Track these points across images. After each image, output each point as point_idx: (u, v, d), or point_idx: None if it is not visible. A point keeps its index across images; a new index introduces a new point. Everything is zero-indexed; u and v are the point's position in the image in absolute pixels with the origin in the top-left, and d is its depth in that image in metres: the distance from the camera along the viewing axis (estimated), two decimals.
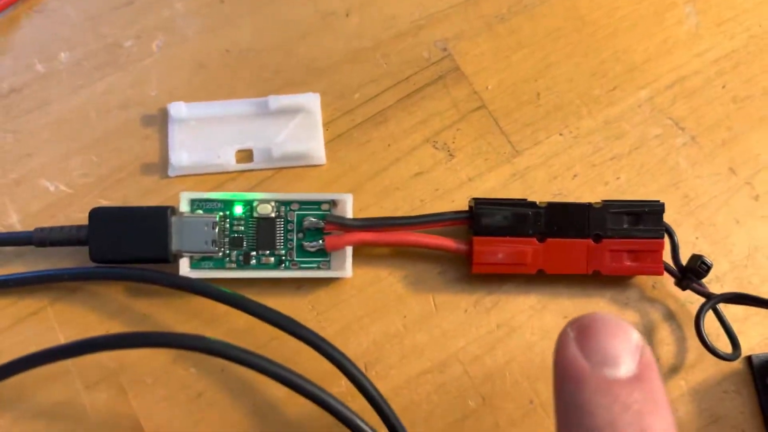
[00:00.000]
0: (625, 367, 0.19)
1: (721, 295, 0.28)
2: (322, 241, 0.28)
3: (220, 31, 0.32)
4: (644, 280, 0.30)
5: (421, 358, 0.29)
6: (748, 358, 0.29)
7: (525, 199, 0.28)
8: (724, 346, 0.28)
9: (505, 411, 0.28)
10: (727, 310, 0.29)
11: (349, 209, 0.28)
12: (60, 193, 0.30)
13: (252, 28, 0.32)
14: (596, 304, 0.29)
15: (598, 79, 0.32)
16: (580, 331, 0.20)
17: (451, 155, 0.31)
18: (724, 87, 0.32)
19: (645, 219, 0.28)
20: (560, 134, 0.32)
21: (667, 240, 0.28)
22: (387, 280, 0.29)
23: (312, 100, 0.30)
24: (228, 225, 0.28)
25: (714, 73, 0.33)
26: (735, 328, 0.29)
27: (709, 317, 0.28)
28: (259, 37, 0.32)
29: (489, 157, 0.31)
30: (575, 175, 0.31)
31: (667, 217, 0.29)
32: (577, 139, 0.31)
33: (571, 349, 0.19)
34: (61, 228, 0.27)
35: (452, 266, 0.29)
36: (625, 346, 0.19)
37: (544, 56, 0.32)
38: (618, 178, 0.31)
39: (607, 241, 0.28)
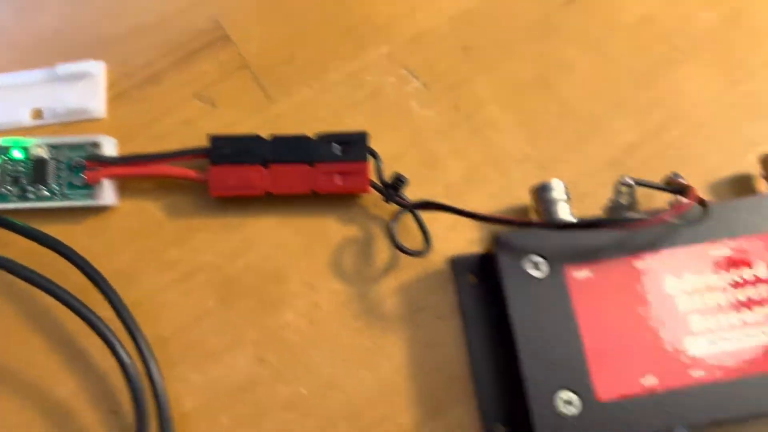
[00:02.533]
0: None
1: (412, 203, 0.33)
2: (85, 175, 0.34)
3: (27, 11, 0.38)
4: (368, 200, 0.35)
5: (171, 270, 0.34)
6: (451, 259, 0.34)
7: (255, 134, 0.34)
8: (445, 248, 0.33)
9: (239, 307, 0.33)
10: (439, 220, 0.34)
11: (110, 149, 0.34)
12: None
13: (54, 9, 0.38)
14: (325, 222, 0.35)
15: (345, 38, 0.38)
16: None
17: (214, 106, 0.37)
18: (456, 40, 0.37)
19: (353, 146, 0.34)
20: (309, 87, 0.37)
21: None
22: (149, 209, 0.35)
23: (95, 66, 0.37)
24: (9, 166, 0.34)
25: (449, 29, 0.38)
26: (444, 235, 0.34)
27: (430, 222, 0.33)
28: (59, 17, 0.38)
29: (247, 107, 0.37)
30: (320, 120, 0.36)
31: (394, 148, 0.35)
32: (323, 91, 0.37)
33: None
34: None
35: (203, 195, 0.35)
36: None
37: (302, 23, 0.38)
38: (356, 120, 0.36)
39: (321, 165, 0.33)
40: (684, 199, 0.30)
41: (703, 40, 0.38)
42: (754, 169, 0.34)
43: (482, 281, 0.32)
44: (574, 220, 0.31)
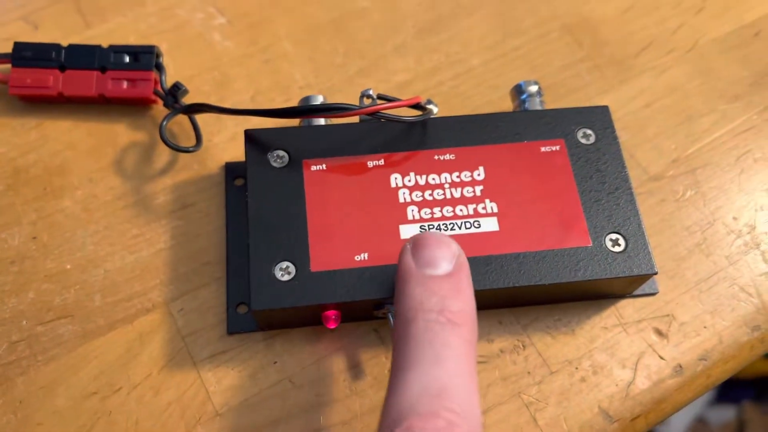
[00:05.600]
0: (442, 268, 0.27)
1: (182, 107, 0.37)
2: None
3: None
4: (158, 111, 0.39)
5: None
6: (225, 165, 0.37)
7: (55, 43, 0.38)
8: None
9: (23, 193, 0.37)
10: (221, 133, 0.38)
11: None
12: None
13: None
14: (116, 128, 0.38)
15: None
16: (414, 244, 0.27)
17: (36, 28, 0.41)
18: None
19: (141, 58, 0.38)
20: (124, 16, 0.42)
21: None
22: None
23: None
24: None
25: None
26: (224, 145, 0.38)
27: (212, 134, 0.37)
28: None
29: (66, 30, 0.41)
30: (129, 42, 0.40)
31: (193, 70, 0.39)
32: (136, 20, 0.41)
33: (406, 257, 0.27)
34: None
35: (6, 97, 0.38)
36: (444, 254, 0.27)
37: None
38: (162, 46, 0.41)
39: (111, 72, 0.37)
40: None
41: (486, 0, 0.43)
42: (511, 108, 0.38)
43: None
44: (323, 123, 0.35)
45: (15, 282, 0.34)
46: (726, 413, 0.91)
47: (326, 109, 0.32)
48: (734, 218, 0.37)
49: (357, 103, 0.33)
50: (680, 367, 0.33)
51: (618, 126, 0.38)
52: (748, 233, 0.36)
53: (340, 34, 0.41)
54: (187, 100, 0.37)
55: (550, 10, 0.42)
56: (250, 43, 0.40)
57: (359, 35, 0.41)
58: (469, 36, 0.41)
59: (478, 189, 0.33)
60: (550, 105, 0.38)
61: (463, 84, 0.40)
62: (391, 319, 0.31)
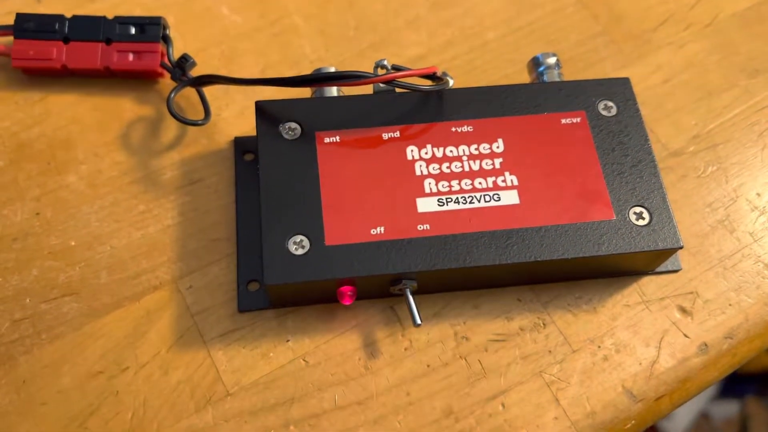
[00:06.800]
0: None
1: (190, 79, 0.35)
2: None
3: None
4: (165, 84, 0.37)
5: None
6: (234, 139, 0.36)
7: (58, 14, 0.37)
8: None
9: (27, 169, 0.35)
10: (230, 107, 0.37)
11: None
12: None
13: None
14: (122, 102, 0.37)
15: None
16: None
17: (39, 2, 0.40)
18: None
19: (147, 30, 0.36)
20: None
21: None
22: None
23: None
24: None
25: None
26: (234, 120, 0.37)
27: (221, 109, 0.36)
28: None
29: (71, 3, 0.40)
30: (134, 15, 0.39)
31: (201, 44, 0.38)
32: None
33: None
34: None
35: (10, 70, 0.37)
36: None
37: None
38: (169, 19, 0.39)
39: (116, 44, 0.36)
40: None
41: None
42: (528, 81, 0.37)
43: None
44: (336, 94, 0.34)
45: (18, 259, 0.33)
46: (729, 408, 0.91)
47: (340, 77, 0.31)
48: (758, 194, 0.36)
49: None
50: (705, 345, 0.32)
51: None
52: None
53: (351, 7, 0.40)
54: (194, 72, 0.36)
55: None
56: (259, 17, 0.39)
57: (371, 8, 0.40)
58: (484, 10, 0.40)
59: (498, 161, 0.32)
60: (568, 79, 0.37)
61: (478, 58, 0.39)
62: (409, 295, 0.30)
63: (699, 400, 0.88)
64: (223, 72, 0.37)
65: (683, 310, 0.33)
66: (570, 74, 0.38)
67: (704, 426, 0.92)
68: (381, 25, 0.39)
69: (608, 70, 0.39)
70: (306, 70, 0.38)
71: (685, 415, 0.90)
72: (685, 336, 0.32)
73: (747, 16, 0.41)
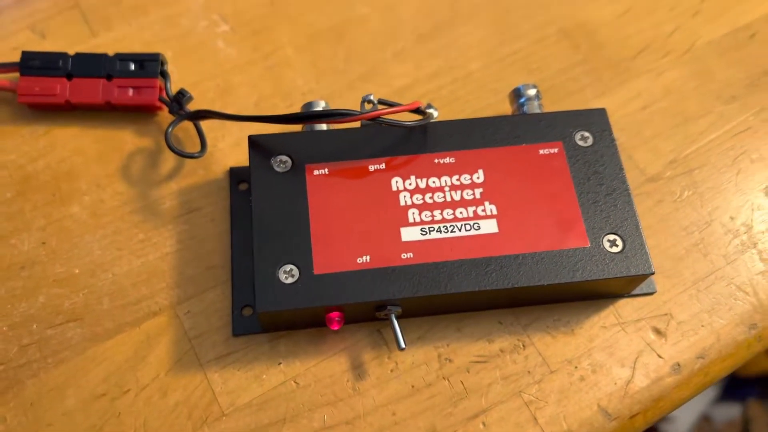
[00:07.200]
0: None
1: (187, 113, 0.37)
2: None
3: None
4: (163, 117, 0.39)
5: None
6: (229, 170, 0.38)
7: (62, 52, 0.39)
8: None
9: (33, 199, 0.37)
10: (225, 139, 0.39)
11: None
12: None
13: None
14: (123, 134, 0.39)
15: None
16: None
17: (43, 37, 0.42)
18: None
19: (146, 66, 0.38)
20: (129, 24, 0.42)
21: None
22: None
23: None
24: None
25: None
26: (229, 150, 0.38)
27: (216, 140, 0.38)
28: None
29: (72, 39, 0.42)
30: (134, 50, 0.41)
31: (197, 77, 0.40)
32: (140, 29, 0.42)
33: None
34: None
35: (16, 105, 0.39)
36: None
37: None
38: (166, 54, 0.41)
39: (117, 79, 0.38)
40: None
41: (483, 5, 0.43)
42: (509, 112, 0.39)
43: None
44: (325, 128, 0.35)
45: (25, 287, 0.34)
46: (731, 411, 0.91)
47: (328, 115, 0.33)
48: (731, 218, 0.37)
49: (358, 109, 0.34)
50: (678, 365, 0.34)
51: (616, 128, 0.38)
52: (745, 233, 0.37)
53: (341, 41, 0.42)
54: (191, 106, 0.38)
55: (547, 14, 0.43)
56: (253, 50, 0.41)
57: (360, 41, 0.42)
58: (468, 41, 0.42)
59: (478, 191, 0.34)
60: (548, 108, 0.39)
61: (462, 88, 0.41)
62: (394, 320, 0.31)
63: (700, 402, 0.89)
64: (218, 104, 0.39)
65: (657, 332, 0.34)
66: (551, 102, 0.40)
67: (706, 428, 0.93)
68: (369, 58, 0.41)
69: (589, 98, 0.41)
70: (298, 101, 0.40)
71: (687, 417, 0.91)
72: (659, 356, 0.34)
73: (723, 43, 0.43)
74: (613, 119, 0.39)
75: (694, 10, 0.44)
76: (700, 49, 0.42)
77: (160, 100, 0.37)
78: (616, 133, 0.37)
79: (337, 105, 0.39)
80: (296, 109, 0.39)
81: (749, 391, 0.92)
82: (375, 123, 0.34)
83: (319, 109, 0.36)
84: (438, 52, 0.42)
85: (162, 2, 0.42)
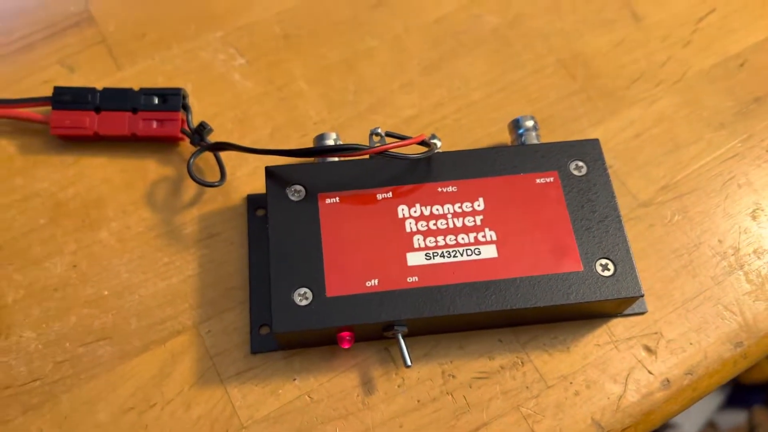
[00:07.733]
0: None
1: (209, 144, 0.40)
2: None
3: None
4: (185, 147, 0.42)
5: (14, 193, 0.41)
6: (247, 197, 0.41)
7: (90, 87, 0.42)
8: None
9: (64, 225, 0.40)
10: (242, 167, 0.41)
11: None
12: None
13: None
14: (147, 164, 0.42)
15: (189, 23, 0.46)
16: None
17: (72, 71, 0.45)
18: (280, 29, 0.46)
19: (169, 100, 0.41)
20: (152, 59, 0.45)
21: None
22: (3, 145, 0.42)
23: None
24: None
25: (275, 20, 0.46)
26: (246, 179, 0.41)
27: (234, 169, 0.40)
28: None
29: (99, 72, 0.44)
30: (157, 85, 0.44)
31: (215, 109, 0.42)
32: (163, 62, 0.45)
33: None
34: None
35: (48, 138, 0.42)
36: None
37: (155, 9, 0.46)
38: (186, 86, 0.44)
39: (142, 113, 0.41)
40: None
41: (485, 37, 0.46)
42: (509, 140, 0.41)
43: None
44: (337, 159, 0.38)
45: (58, 307, 0.37)
46: (737, 417, 0.93)
47: (339, 149, 0.35)
48: (719, 241, 0.40)
49: (367, 139, 0.36)
50: (668, 381, 0.36)
51: (609, 155, 0.41)
52: (732, 255, 0.39)
53: (351, 73, 0.44)
54: (211, 137, 0.41)
55: (546, 45, 0.46)
56: (268, 83, 0.44)
57: (368, 73, 0.44)
58: (470, 72, 0.44)
59: (479, 219, 0.36)
60: (546, 135, 0.42)
61: (465, 117, 0.43)
62: (401, 339, 0.34)
63: (706, 408, 0.90)
64: (236, 134, 0.42)
65: (648, 349, 0.37)
66: (549, 129, 0.42)
67: None
68: (378, 89, 0.44)
69: (585, 126, 0.43)
70: (311, 131, 0.42)
71: (693, 424, 0.92)
72: (650, 373, 0.36)
73: (713, 72, 0.45)
74: (608, 146, 0.41)
75: (686, 40, 0.46)
76: (691, 78, 0.45)
77: (182, 131, 0.40)
78: (610, 160, 0.39)
79: (347, 135, 0.41)
80: (309, 138, 0.42)
81: (755, 397, 0.93)
82: (382, 156, 0.36)
83: (331, 141, 0.39)
84: (442, 83, 0.44)
85: (183, 36, 0.45)
